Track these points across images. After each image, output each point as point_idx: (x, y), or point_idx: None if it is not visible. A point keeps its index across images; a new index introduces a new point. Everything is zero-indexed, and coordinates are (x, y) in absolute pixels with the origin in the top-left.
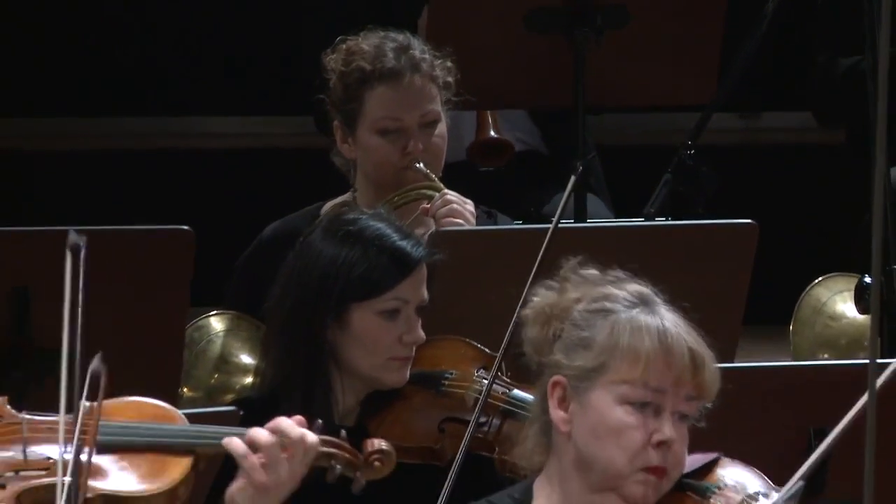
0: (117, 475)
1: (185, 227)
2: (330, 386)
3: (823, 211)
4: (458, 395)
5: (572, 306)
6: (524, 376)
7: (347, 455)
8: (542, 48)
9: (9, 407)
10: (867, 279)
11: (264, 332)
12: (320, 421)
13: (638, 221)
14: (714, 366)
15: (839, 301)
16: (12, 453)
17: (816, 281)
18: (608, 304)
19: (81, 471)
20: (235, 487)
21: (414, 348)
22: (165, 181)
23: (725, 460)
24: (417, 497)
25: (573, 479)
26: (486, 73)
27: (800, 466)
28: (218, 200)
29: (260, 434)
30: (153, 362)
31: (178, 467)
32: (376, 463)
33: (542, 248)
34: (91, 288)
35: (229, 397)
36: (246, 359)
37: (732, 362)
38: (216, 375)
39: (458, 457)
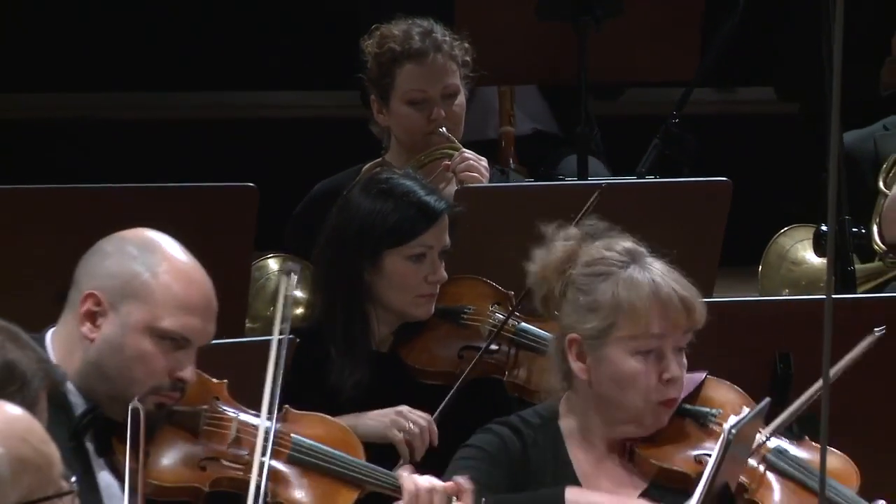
0: (297, 489)
1: (251, 185)
2: (367, 319)
3: (787, 170)
4: (475, 326)
5: (569, 263)
6: (531, 311)
7: None
8: (550, 33)
9: (224, 397)
10: (823, 228)
11: (312, 273)
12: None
13: (631, 179)
14: (701, 301)
15: (800, 248)
16: (220, 444)
17: (781, 231)
18: (604, 267)
19: (271, 476)
20: None
21: (438, 286)
22: (235, 146)
23: (712, 379)
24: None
25: (594, 415)
26: (502, 54)
27: (767, 384)
28: (278, 162)
29: (421, 483)
30: (223, 297)
31: (347, 498)
32: None
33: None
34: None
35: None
36: (298, 294)
37: (711, 297)
38: (272, 307)
39: (463, 375)
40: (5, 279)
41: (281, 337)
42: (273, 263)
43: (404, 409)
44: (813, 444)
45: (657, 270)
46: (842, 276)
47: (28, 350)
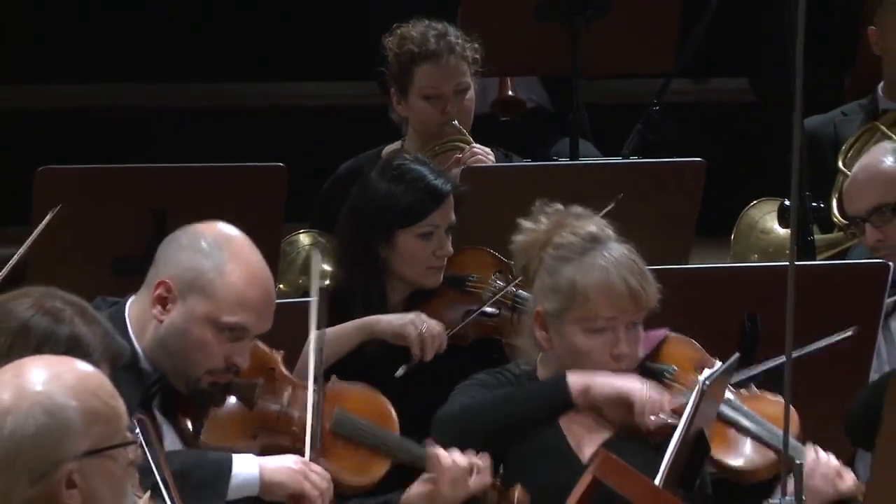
0: (335, 459)
1: (281, 165)
2: (383, 288)
3: (756, 151)
4: (478, 293)
5: (543, 247)
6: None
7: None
8: (547, 31)
9: (279, 369)
10: (787, 202)
11: (334, 246)
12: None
13: (617, 160)
14: (651, 283)
15: (768, 219)
16: (271, 414)
17: (751, 204)
18: (567, 253)
19: (314, 446)
20: (415, 493)
21: (445, 259)
22: (269, 132)
23: (673, 337)
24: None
25: (559, 370)
26: (504, 49)
27: (737, 342)
28: (308, 145)
29: (456, 457)
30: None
31: (380, 469)
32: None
33: None
34: (211, 210)
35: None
36: (324, 265)
37: (687, 263)
38: (302, 278)
39: (458, 328)
40: (69, 250)
41: (317, 302)
42: (304, 238)
43: (421, 314)
44: (765, 395)
45: (613, 258)
46: (803, 245)
47: (94, 325)
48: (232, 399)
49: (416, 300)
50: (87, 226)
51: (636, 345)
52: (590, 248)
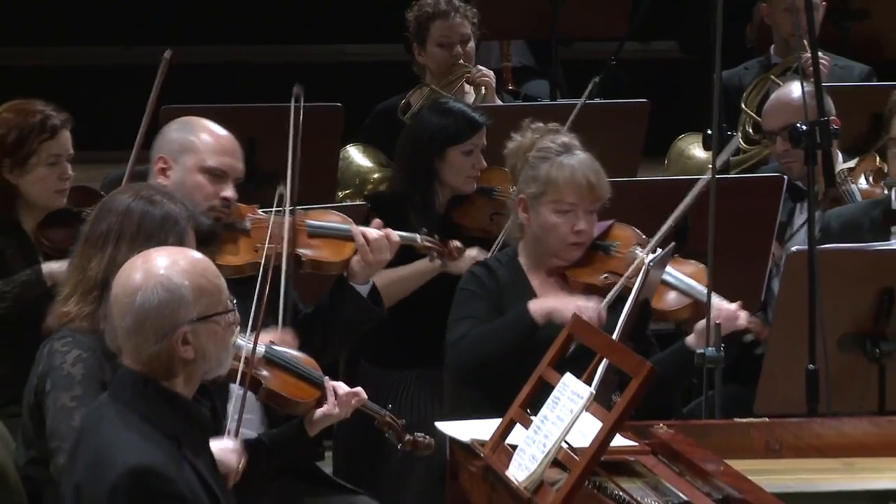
0: (318, 251)
1: (338, 105)
2: (433, 192)
3: (687, 95)
4: (502, 200)
5: (527, 151)
6: None
7: (435, 247)
8: (531, 3)
9: (255, 212)
10: (709, 132)
11: (395, 158)
12: None
13: (584, 100)
14: (604, 181)
15: (692, 147)
16: (262, 236)
17: (679, 136)
18: (545, 154)
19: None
20: (353, 262)
21: (480, 171)
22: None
23: (618, 224)
24: None
25: (534, 249)
26: (498, 17)
27: (671, 236)
28: (356, 91)
29: (370, 230)
30: (320, 176)
31: (347, 250)
32: (455, 251)
33: None
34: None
35: (369, 188)
36: (374, 173)
37: (634, 177)
38: (356, 180)
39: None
40: None
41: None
42: (352, 149)
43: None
44: (686, 261)
45: (578, 160)
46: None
47: (178, 203)
48: (233, 234)
49: (455, 202)
50: None
51: (591, 226)
52: (562, 151)
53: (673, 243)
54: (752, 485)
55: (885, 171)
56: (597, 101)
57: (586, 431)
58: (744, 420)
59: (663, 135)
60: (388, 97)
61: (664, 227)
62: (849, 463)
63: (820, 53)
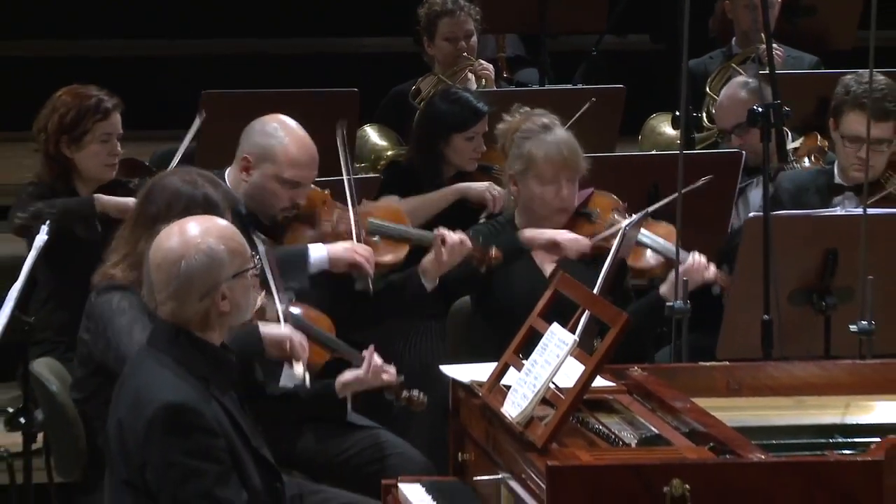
0: (383, 248)
1: (355, 90)
2: (441, 168)
3: (658, 81)
4: (499, 177)
5: (514, 132)
6: None
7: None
8: (522, 2)
9: (329, 200)
10: (677, 113)
11: (411, 137)
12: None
13: (569, 87)
14: (581, 155)
15: (663, 125)
16: (329, 225)
17: (651, 116)
18: (528, 134)
19: (359, 236)
20: (427, 261)
21: (480, 153)
22: (348, 72)
23: (598, 192)
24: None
25: (526, 218)
26: (494, 14)
27: (644, 202)
28: (372, 78)
29: (449, 233)
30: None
31: (403, 250)
32: (493, 259)
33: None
34: (306, 121)
35: (381, 164)
36: (387, 151)
37: (612, 152)
38: (372, 156)
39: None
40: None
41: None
42: (368, 129)
43: (493, 184)
44: (658, 223)
45: (557, 138)
46: (688, 143)
47: (218, 187)
48: (299, 223)
49: (459, 178)
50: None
51: (572, 195)
52: (542, 131)
53: (645, 210)
54: (715, 420)
55: (826, 149)
56: (580, 86)
57: (571, 374)
58: (707, 364)
59: (637, 116)
60: (401, 84)
61: (655, 206)
62: (799, 401)
63: (774, 45)
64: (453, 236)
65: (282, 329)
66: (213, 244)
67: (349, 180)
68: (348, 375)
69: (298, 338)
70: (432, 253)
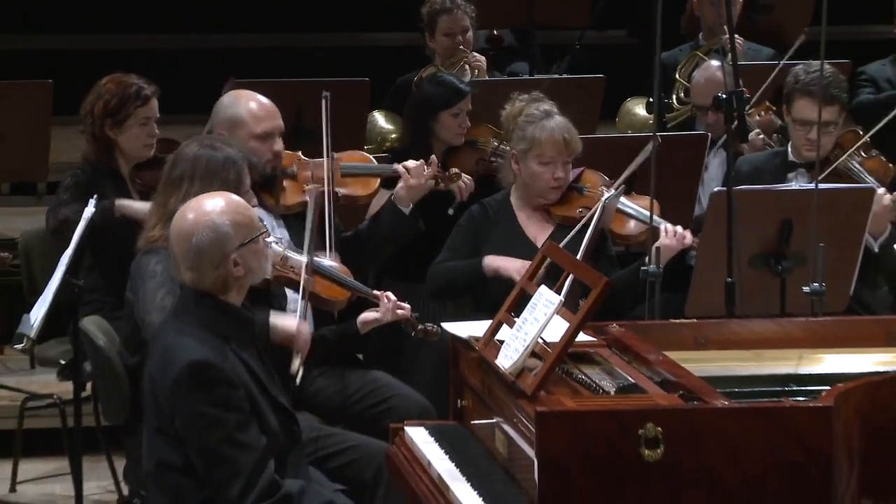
0: (350, 188)
1: (366, 79)
2: (432, 146)
3: (631, 70)
4: (485, 150)
5: (517, 116)
6: None
7: (440, 175)
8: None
9: (302, 158)
10: (650, 99)
11: (403, 119)
12: None
13: (556, 76)
14: (577, 139)
15: (637, 109)
16: (307, 177)
17: (627, 100)
18: (530, 118)
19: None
20: (399, 188)
21: (466, 129)
22: (360, 63)
23: (588, 170)
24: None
25: (524, 191)
26: (488, 10)
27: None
28: (381, 68)
29: (410, 162)
30: (350, 137)
31: (374, 184)
32: (454, 176)
33: None
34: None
35: (387, 145)
36: (392, 134)
37: (593, 134)
38: (378, 139)
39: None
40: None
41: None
42: (377, 114)
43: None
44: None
45: (556, 122)
46: (660, 125)
47: (234, 147)
48: (284, 178)
49: (449, 152)
50: None
51: (567, 174)
52: (544, 116)
53: (623, 185)
54: (684, 370)
55: (775, 119)
56: (566, 76)
57: (557, 330)
58: (677, 321)
59: (615, 102)
60: (406, 74)
61: (624, 175)
62: (758, 353)
63: (736, 38)
64: (413, 161)
65: (292, 322)
66: (218, 219)
67: (326, 135)
68: (368, 314)
69: (304, 335)
70: (401, 182)
